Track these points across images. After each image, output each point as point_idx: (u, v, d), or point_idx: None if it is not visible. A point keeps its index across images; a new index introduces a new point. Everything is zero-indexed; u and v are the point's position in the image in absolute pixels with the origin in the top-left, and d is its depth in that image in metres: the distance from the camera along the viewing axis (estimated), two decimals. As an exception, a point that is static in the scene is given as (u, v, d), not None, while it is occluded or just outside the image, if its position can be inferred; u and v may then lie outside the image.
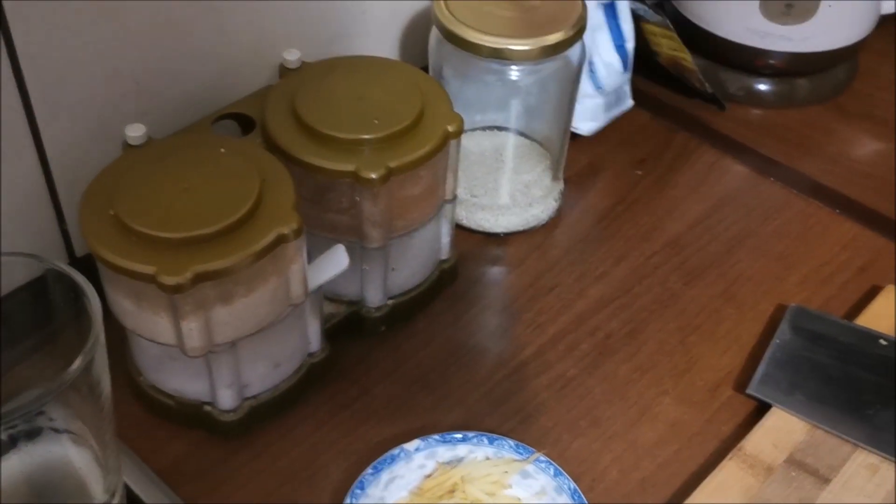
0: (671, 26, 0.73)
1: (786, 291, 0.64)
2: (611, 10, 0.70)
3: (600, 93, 0.71)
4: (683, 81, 0.77)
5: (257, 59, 0.62)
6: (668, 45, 0.73)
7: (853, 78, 0.82)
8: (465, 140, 0.66)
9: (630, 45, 0.72)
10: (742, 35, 0.76)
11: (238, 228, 0.48)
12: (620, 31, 0.71)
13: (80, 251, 0.59)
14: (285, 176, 0.51)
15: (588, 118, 0.72)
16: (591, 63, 0.70)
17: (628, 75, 0.73)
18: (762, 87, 0.79)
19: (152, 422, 0.55)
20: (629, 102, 0.74)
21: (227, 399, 0.53)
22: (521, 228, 0.67)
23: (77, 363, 0.41)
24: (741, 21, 0.76)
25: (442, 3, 0.61)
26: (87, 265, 0.48)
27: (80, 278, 0.43)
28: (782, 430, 0.55)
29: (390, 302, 0.61)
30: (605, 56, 0.70)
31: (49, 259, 0.43)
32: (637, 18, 0.71)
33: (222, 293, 0.48)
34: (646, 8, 0.71)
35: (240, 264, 0.47)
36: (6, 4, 0.49)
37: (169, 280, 0.46)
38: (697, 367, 0.60)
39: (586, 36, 0.66)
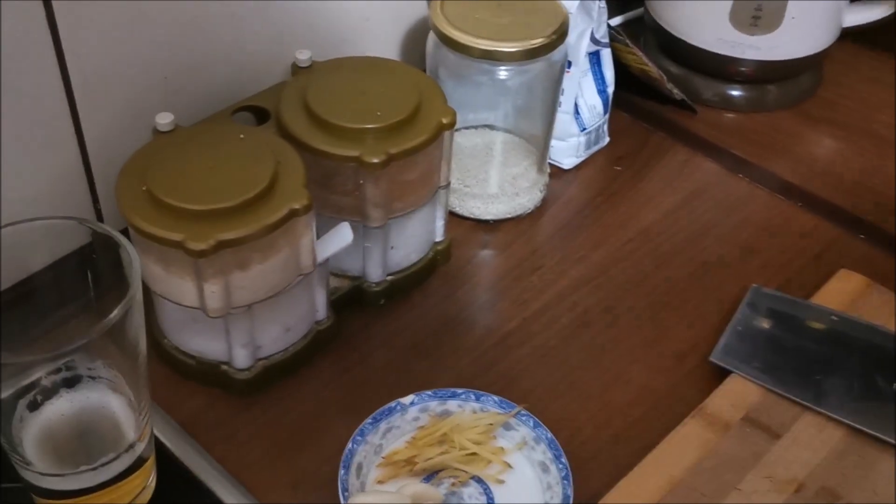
0: (631, 44, 0.79)
1: (748, 274, 0.70)
2: (596, 59, 0.76)
3: (583, 133, 0.78)
4: (658, 89, 0.84)
5: (272, 59, 0.68)
6: (634, 60, 0.81)
7: (818, 85, 0.88)
8: (459, 137, 0.73)
9: (611, 89, 0.78)
10: (714, 44, 0.83)
11: (255, 203, 0.55)
12: (603, 77, 0.77)
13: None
14: (297, 159, 0.58)
15: (571, 155, 0.78)
16: (576, 106, 0.76)
17: (607, 116, 0.79)
18: (734, 92, 0.86)
19: (175, 380, 0.62)
20: (606, 139, 0.81)
21: (242, 359, 0.60)
22: (508, 216, 0.74)
23: (116, 312, 0.47)
24: (713, 31, 0.82)
25: (439, 10, 0.68)
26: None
27: (119, 236, 0.49)
28: (740, 393, 0.61)
29: (389, 278, 0.67)
30: (588, 100, 0.77)
31: (92, 221, 0.49)
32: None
33: (240, 260, 0.54)
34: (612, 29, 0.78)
35: (256, 234, 0.54)
36: (55, 5, 0.56)
37: (195, 246, 0.52)
38: (666, 339, 0.66)
39: (575, 82, 0.74)
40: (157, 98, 0.64)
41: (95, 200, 0.65)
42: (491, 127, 0.76)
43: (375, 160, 0.59)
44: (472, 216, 0.74)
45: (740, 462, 0.57)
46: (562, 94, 0.74)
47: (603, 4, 0.73)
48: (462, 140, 0.74)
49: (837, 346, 0.64)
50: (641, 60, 0.80)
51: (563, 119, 0.76)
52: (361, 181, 0.60)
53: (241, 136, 0.59)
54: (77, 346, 0.46)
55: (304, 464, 0.58)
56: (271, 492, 0.56)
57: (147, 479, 0.55)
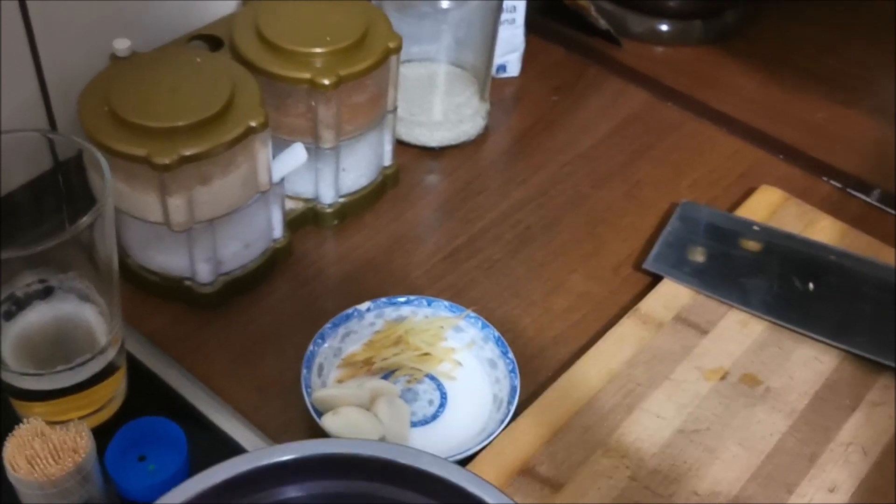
0: None
1: (679, 192, 0.75)
2: None
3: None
4: (585, 19, 0.88)
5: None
6: None
7: (742, 23, 0.93)
8: (404, 68, 0.76)
9: None
10: (643, -20, 0.88)
11: (215, 121, 0.57)
12: None
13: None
14: (252, 81, 0.61)
15: (518, 62, 0.85)
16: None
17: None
18: (662, 27, 0.90)
19: (140, 298, 0.64)
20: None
21: (205, 273, 0.63)
22: (453, 143, 0.77)
23: (87, 217, 0.49)
24: (643, -33, 0.87)
25: (382, -57, 0.71)
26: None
27: (84, 143, 0.52)
28: (671, 295, 0.66)
29: (341, 200, 0.70)
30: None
31: (58, 132, 0.52)
32: None
33: (202, 175, 0.57)
34: None
35: (217, 149, 0.57)
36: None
37: (159, 160, 0.55)
38: (603, 252, 0.70)
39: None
40: (113, 27, 0.66)
41: (54, 129, 0.66)
42: (434, 59, 0.79)
43: (326, 82, 0.62)
44: (418, 143, 0.77)
45: (672, 355, 0.62)
46: (514, 11, 0.80)
47: None
48: (407, 71, 0.78)
49: (759, 251, 0.69)
50: None
51: (516, 33, 0.82)
52: (313, 103, 0.63)
53: (198, 59, 0.62)
54: (49, 247, 0.47)
55: (267, 370, 0.61)
56: (238, 396, 0.59)
57: (119, 386, 0.58)
